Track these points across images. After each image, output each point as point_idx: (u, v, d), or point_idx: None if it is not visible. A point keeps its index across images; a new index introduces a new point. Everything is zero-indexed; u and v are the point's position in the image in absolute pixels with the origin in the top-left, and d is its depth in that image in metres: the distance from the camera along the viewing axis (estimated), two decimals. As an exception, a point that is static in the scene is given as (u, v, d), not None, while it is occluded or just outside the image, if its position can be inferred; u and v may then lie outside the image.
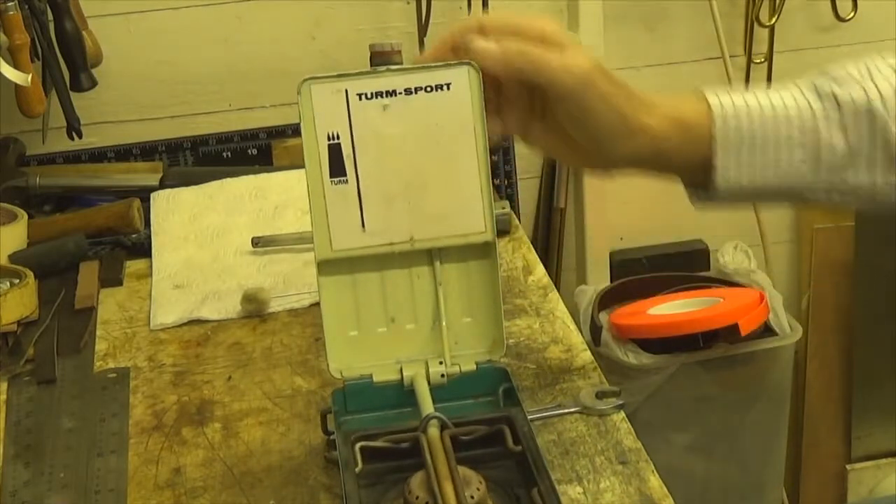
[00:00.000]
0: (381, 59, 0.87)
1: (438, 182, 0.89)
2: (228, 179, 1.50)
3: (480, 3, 1.66)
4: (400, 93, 0.87)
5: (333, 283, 0.93)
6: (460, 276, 0.94)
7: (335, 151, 0.88)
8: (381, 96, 0.87)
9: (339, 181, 0.88)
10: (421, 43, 1.67)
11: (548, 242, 1.87)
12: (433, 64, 0.87)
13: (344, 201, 0.89)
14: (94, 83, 1.53)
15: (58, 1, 1.47)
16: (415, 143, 0.88)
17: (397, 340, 0.95)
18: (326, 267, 0.91)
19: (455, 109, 0.88)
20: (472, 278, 0.94)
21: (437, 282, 0.93)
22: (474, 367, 0.95)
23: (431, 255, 0.93)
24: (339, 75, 0.87)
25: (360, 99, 0.87)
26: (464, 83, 0.87)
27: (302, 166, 0.88)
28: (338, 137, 0.88)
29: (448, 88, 0.87)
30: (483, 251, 0.93)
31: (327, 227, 0.89)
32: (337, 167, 0.88)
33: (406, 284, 0.94)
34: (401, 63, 0.87)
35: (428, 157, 0.89)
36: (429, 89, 0.87)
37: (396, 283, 0.94)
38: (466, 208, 0.90)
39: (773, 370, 1.73)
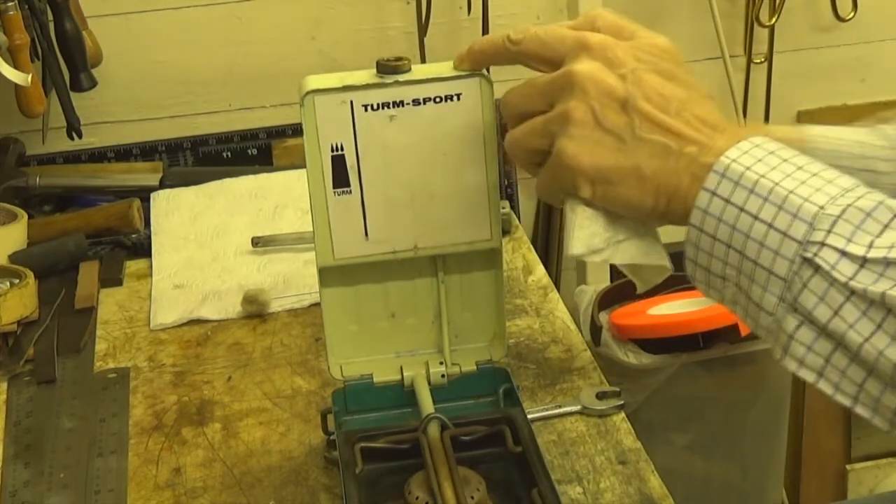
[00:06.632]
0: (387, 68, 0.85)
1: (445, 191, 0.88)
2: (228, 179, 1.51)
3: (481, 3, 1.66)
4: (408, 103, 0.85)
5: (335, 284, 0.92)
6: (463, 279, 0.94)
7: (339, 163, 0.86)
8: (388, 107, 0.85)
9: (343, 192, 0.87)
10: (421, 43, 1.67)
11: (548, 242, 1.86)
12: (442, 76, 0.84)
13: (347, 211, 0.87)
14: (94, 83, 1.53)
15: (58, 1, 1.47)
16: (421, 152, 0.86)
17: (398, 335, 0.95)
18: (328, 271, 0.91)
19: (465, 119, 0.86)
20: (476, 281, 0.94)
21: (439, 280, 0.93)
22: (475, 367, 0.95)
23: (435, 262, 0.93)
24: (345, 87, 0.84)
25: (366, 110, 0.85)
26: (475, 94, 0.85)
27: (302, 166, 0.87)
28: (341, 149, 0.86)
29: (458, 99, 0.85)
30: (488, 257, 0.92)
31: (329, 236, 0.88)
32: (340, 178, 0.86)
33: (408, 284, 0.94)
34: (409, 70, 0.85)
35: (435, 166, 0.87)
36: (438, 100, 0.85)
37: (398, 283, 0.93)
38: (473, 216, 0.89)
39: (773, 370, 1.73)
